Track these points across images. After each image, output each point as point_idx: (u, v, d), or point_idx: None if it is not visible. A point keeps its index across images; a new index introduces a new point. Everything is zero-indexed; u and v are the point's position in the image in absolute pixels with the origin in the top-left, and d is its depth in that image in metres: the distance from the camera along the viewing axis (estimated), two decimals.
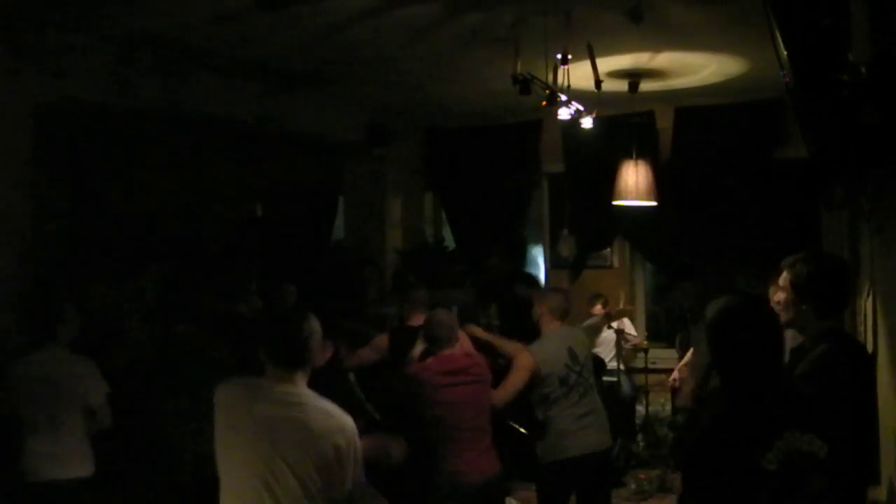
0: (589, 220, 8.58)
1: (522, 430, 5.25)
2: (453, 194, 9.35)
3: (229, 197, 9.65)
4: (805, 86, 3.22)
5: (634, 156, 7.63)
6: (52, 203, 7.03)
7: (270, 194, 10.00)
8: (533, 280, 8.31)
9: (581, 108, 5.55)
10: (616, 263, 9.15)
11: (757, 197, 7.69)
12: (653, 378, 7.91)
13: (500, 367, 5.07)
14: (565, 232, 8.88)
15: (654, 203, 7.66)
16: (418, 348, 5.03)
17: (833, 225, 7.20)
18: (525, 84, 5.02)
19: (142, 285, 6.21)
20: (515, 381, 4.98)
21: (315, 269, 8.40)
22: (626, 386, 8.06)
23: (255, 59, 6.36)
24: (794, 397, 2.72)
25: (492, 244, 9.01)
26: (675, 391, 7.38)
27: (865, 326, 5.62)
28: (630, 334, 8.40)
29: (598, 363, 6.94)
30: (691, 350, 6.90)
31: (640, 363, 7.99)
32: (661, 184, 7.72)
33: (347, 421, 3.18)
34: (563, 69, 5.08)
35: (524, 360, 5.05)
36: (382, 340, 5.72)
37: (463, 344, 5.02)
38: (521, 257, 9.77)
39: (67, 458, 4.55)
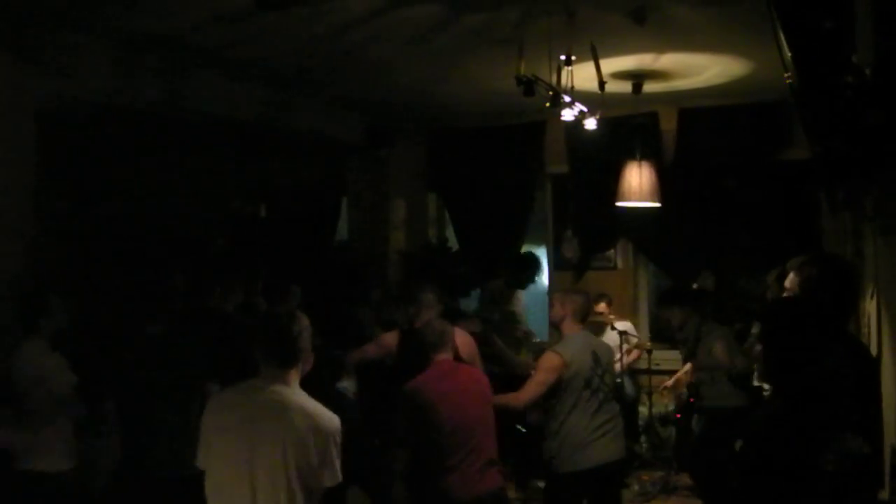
0: (592, 222, 8.58)
1: (523, 429, 5.17)
2: (457, 195, 9.35)
3: (233, 198, 9.65)
4: (809, 87, 3.21)
5: (638, 157, 7.62)
6: (54, 203, 7.04)
7: (274, 195, 10.00)
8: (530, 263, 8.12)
9: (585, 109, 5.55)
10: (620, 265, 9.13)
11: (760, 198, 7.70)
12: (656, 379, 7.89)
13: (493, 375, 5.05)
14: (569, 233, 8.88)
15: (657, 204, 7.65)
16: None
17: (836, 226, 7.19)
18: (529, 85, 5.01)
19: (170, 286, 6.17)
20: (541, 381, 4.88)
21: (318, 270, 8.39)
22: (629, 387, 8.05)
23: (259, 59, 6.37)
24: (846, 397, 2.71)
25: (495, 245, 9.01)
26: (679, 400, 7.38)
27: (869, 328, 5.60)
28: (633, 336, 8.39)
29: None
30: (688, 365, 6.91)
31: (643, 364, 7.97)
32: (665, 185, 7.71)
33: (331, 421, 3.30)
34: (567, 70, 5.08)
35: (550, 360, 4.92)
36: (390, 339, 5.62)
37: (461, 349, 4.98)
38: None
39: (46, 451, 4.63)
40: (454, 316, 6.28)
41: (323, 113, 7.83)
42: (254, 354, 3.40)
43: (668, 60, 6.40)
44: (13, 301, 4.99)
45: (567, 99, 5.27)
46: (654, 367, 7.87)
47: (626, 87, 6.83)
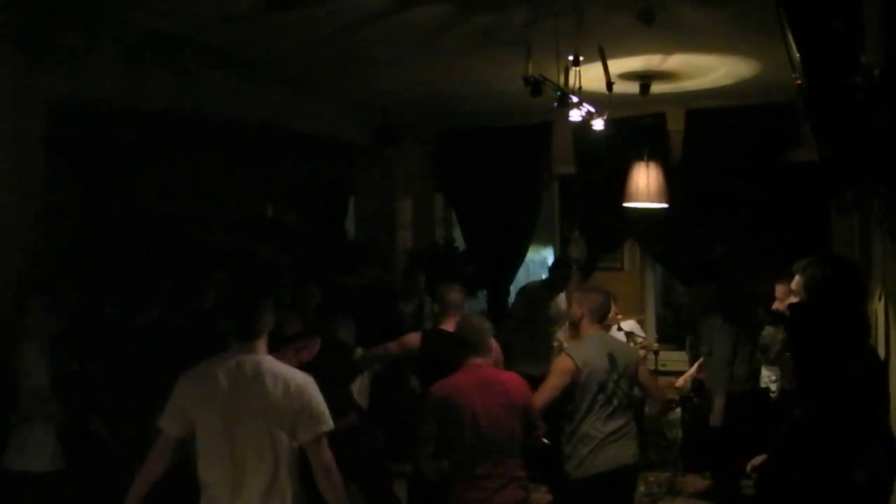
0: (599, 222, 8.58)
1: (546, 441, 4.98)
2: (464, 195, 9.35)
3: (240, 197, 9.67)
4: (817, 88, 3.21)
5: (645, 158, 7.61)
6: (63, 203, 7.06)
7: (281, 195, 10.02)
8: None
9: (592, 109, 5.55)
10: (626, 265, 9.13)
11: (768, 199, 7.68)
12: (663, 380, 7.85)
13: None
14: (576, 234, 8.88)
15: (664, 205, 7.64)
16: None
17: (844, 228, 7.17)
18: (536, 85, 5.01)
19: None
20: (553, 385, 4.73)
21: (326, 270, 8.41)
22: (635, 388, 8.03)
23: (266, 59, 6.38)
24: (878, 407, 2.67)
25: (502, 246, 9.01)
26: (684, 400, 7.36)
27: (877, 330, 5.58)
28: (639, 336, 8.37)
29: None
30: (700, 361, 6.88)
31: (650, 365, 7.95)
32: (672, 186, 7.70)
33: (303, 379, 3.59)
34: (575, 71, 5.07)
35: (562, 364, 4.79)
36: (413, 340, 5.52)
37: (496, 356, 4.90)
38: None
39: (36, 453, 4.68)
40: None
41: (330, 113, 7.84)
42: (223, 329, 3.75)
43: (675, 61, 6.39)
44: (21, 299, 5.02)
45: (574, 99, 5.27)
46: (660, 368, 7.86)
47: (633, 87, 6.83)
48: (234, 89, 6.68)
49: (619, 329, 7.86)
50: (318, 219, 9.69)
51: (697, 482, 7.17)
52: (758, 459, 4.81)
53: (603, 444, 4.74)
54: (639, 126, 7.75)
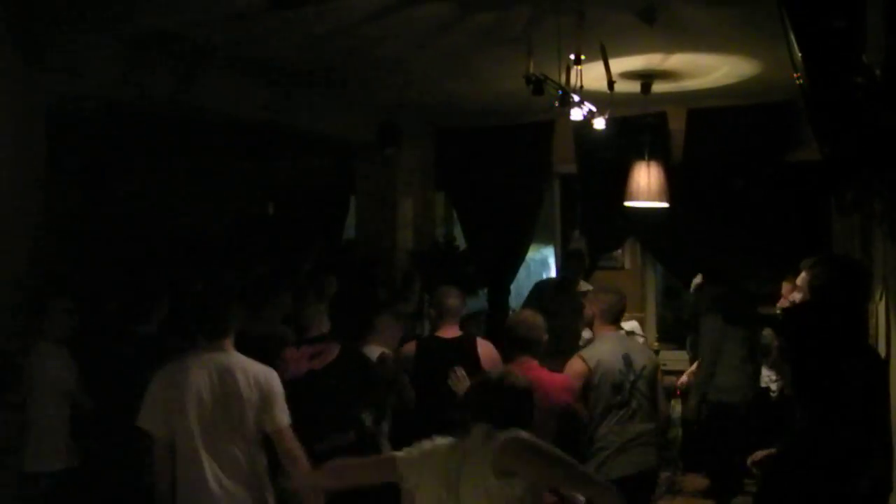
0: (600, 221, 8.57)
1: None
2: (465, 194, 9.35)
3: (241, 195, 9.67)
4: (819, 87, 3.20)
5: (646, 157, 7.61)
6: (63, 201, 7.06)
7: (282, 193, 10.02)
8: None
9: (593, 108, 5.54)
10: (627, 265, 9.13)
11: (769, 199, 7.67)
12: (664, 380, 7.88)
13: None
14: (577, 233, 8.88)
15: (665, 204, 7.64)
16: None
17: (845, 228, 7.16)
18: (538, 84, 4.99)
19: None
20: None
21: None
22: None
23: (268, 57, 6.37)
24: (877, 418, 2.65)
25: (503, 245, 9.00)
26: (683, 396, 7.36)
27: (878, 331, 5.57)
28: (639, 335, 8.37)
29: None
30: (698, 362, 6.88)
31: None
32: (673, 185, 7.69)
33: (267, 373, 3.91)
34: (576, 70, 5.06)
35: (574, 366, 4.73)
36: (408, 348, 5.28)
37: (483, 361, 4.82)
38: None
39: (51, 452, 4.78)
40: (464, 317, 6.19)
41: (331, 111, 7.83)
42: (191, 329, 4.09)
43: (677, 60, 6.38)
44: (22, 300, 5.03)
45: (576, 98, 5.26)
46: (661, 368, 7.86)
47: (634, 87, 6.82)
48: (234, 87, 6.67)
49: (620, 328, 7.86)
50: (319, 217, 9.69)
51: (697, 481, 7.16)
52: (758, 454, 4.80)
53: (623, 448, 4.66)
54: (640, 125, 7.74)
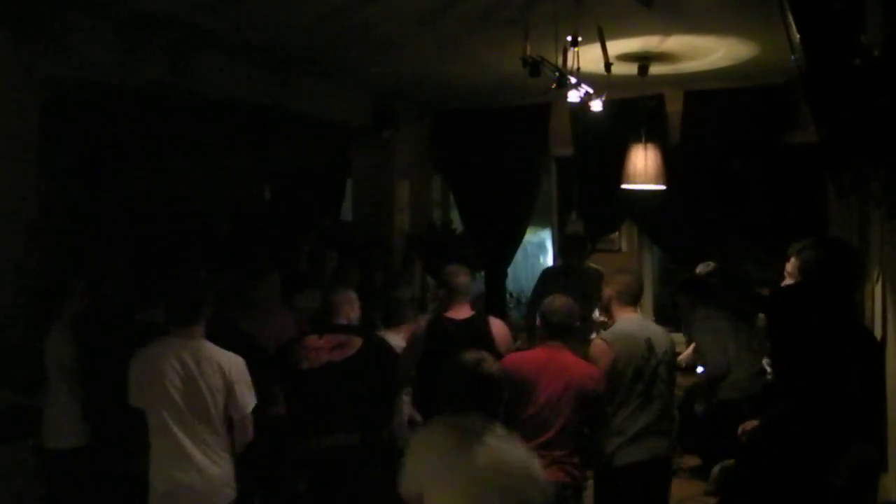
0: (597, 204, 8.56)
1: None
2: (462, 177, 9.34)
3: (237, 179, 9.65)
4: (817, 69, 3.19)
5: (643, 139, 7.58)
6: (59, 187, 7.04)
7: (279, 177, 9.99)
8: None
9: (590, 90, 5.52)
10: (624, 247, 9.12)
11: (766, 181, 7.67)
12: None
13: None
14: (574, 215, 8.86)
15: (662, 187, 7.63)
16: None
17: (842, 210, 7.17)
18: (535, 66, 4.97)
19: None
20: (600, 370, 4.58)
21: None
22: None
23: (263, 41, 6.34)
24: (861, 402, 2.64)
25: (500, 227, 9.00)
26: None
27: (874, 313, 5.59)
28: None
29: None
30: (692, 346, 6.87)
31: None
32: (670, 167, 7.68)
33: (232, 359, 4.21)
34: (573, 52, 5.04)
35: (597, 348, 4.66)
36: (419, 329, 5.16)
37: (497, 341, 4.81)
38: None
39: (66, 429, 4.85)
40: None
41: (327, 94, 7.80)
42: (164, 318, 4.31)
43: (674, 42, 6.36)
44: (18, 285, 5.03)
45: (573, 80, 5.24)
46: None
47: (631, 69, 6.80)
48: (230, 70, 6.64)
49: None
50: (316, 200, 9.67)
51: (695, 462, 7.18)
52: (748, 424, 4.77)
53: (639, 435, 4.61)
54: (637, 108, 7.72)
